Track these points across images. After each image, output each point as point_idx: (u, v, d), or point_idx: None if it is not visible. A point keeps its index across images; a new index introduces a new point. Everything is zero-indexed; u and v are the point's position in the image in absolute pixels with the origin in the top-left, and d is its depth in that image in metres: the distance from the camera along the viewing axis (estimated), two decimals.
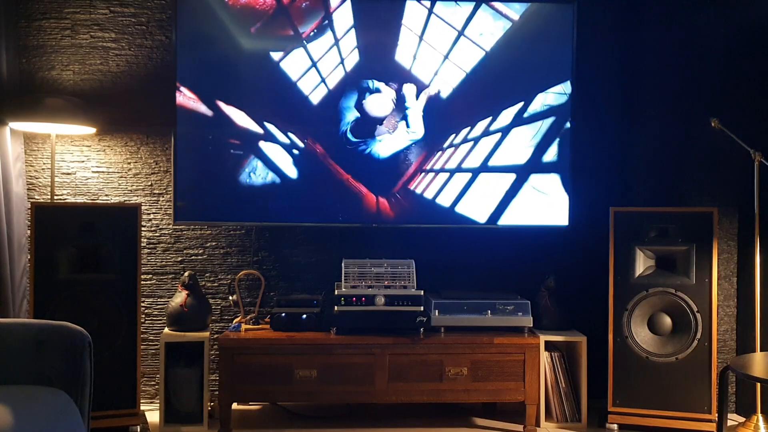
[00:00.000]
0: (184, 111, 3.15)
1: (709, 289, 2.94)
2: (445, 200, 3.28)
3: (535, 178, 3.27)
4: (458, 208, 3.28)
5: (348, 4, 3.21)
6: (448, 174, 3.28)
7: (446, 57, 3.24)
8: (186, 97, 3.15)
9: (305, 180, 3.23)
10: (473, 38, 3.25)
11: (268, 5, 3.18)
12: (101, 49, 3.32)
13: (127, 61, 3.33)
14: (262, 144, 3.20)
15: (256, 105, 3.20)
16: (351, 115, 3.22)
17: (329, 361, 2.94)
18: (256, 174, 3.20)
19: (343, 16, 3.22)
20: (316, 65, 3.20)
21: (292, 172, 3.22)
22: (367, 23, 3.23)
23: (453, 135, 3.27)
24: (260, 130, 3.20)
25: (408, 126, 3.25)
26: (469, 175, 3.28)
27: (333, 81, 3.22)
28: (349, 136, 3.23)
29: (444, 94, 3.26)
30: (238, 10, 3.16)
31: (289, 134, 3.20)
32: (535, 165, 3.28)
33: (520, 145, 3.27)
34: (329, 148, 3.23)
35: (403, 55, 3.24)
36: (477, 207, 3.28)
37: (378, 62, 3.25)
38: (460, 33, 3.25)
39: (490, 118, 3.27)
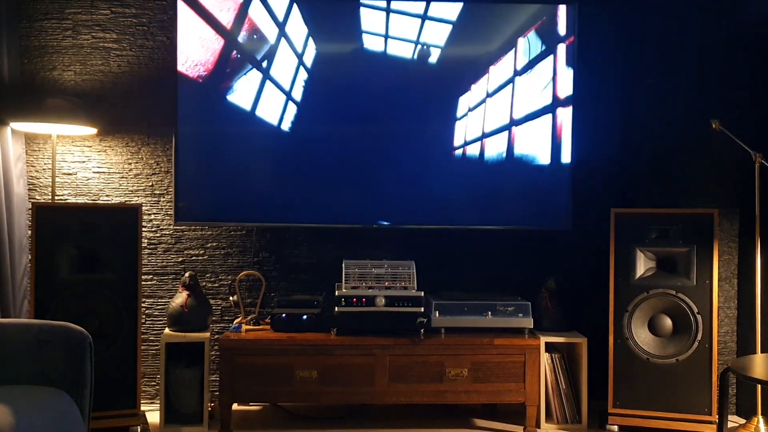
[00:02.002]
0: None
1: (709, 291, 2.94)
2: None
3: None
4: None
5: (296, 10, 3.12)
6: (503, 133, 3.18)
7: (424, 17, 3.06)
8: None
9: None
10: None
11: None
12: (102, 50, 3.32)
13: (129, 62, 3.33)
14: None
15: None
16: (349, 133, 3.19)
17: (330, 361, 2.94)
18: None
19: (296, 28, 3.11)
20: (291, 96, 3.13)
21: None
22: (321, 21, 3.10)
23: (467, 96, 3.19)
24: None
25: (417, 111, 3.19)
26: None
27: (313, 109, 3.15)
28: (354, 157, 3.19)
29: (434, 60, 3.16)
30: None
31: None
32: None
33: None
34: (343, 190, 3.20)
35: (371, 40, 3.13)
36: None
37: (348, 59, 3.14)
38: None
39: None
